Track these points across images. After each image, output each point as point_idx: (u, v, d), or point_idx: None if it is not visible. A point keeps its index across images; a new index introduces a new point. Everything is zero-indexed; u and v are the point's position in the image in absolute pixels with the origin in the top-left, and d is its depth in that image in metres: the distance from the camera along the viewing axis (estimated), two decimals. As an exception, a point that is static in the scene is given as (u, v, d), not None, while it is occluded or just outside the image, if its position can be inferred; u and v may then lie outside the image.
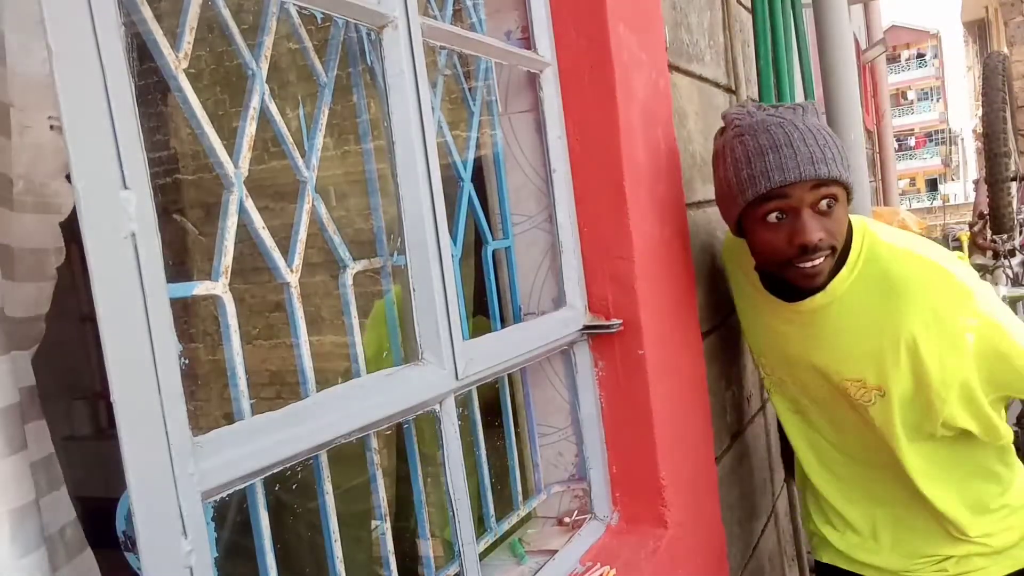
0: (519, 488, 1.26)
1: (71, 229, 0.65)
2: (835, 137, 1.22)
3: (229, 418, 0.71)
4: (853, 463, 1.45)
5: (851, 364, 1.29)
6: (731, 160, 1.24)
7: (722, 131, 1.31)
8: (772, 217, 1.21)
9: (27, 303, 0.80)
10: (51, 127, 0.79)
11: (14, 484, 0.63)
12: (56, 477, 0.81)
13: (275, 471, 0.71)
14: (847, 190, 1.22)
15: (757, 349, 1.52)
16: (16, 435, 0.65)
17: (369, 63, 0.94)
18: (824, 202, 1.19)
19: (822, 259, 1.21)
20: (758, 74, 2.01)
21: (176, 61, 0.66)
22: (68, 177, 0.74)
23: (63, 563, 0.81)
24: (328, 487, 0.82)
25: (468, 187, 1.16)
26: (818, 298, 1.28)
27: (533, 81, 1.30)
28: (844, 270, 1.26)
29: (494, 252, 1.26)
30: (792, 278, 1.25)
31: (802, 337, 1.34)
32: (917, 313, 1.21)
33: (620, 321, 1.29)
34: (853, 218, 1.29)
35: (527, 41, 1.30)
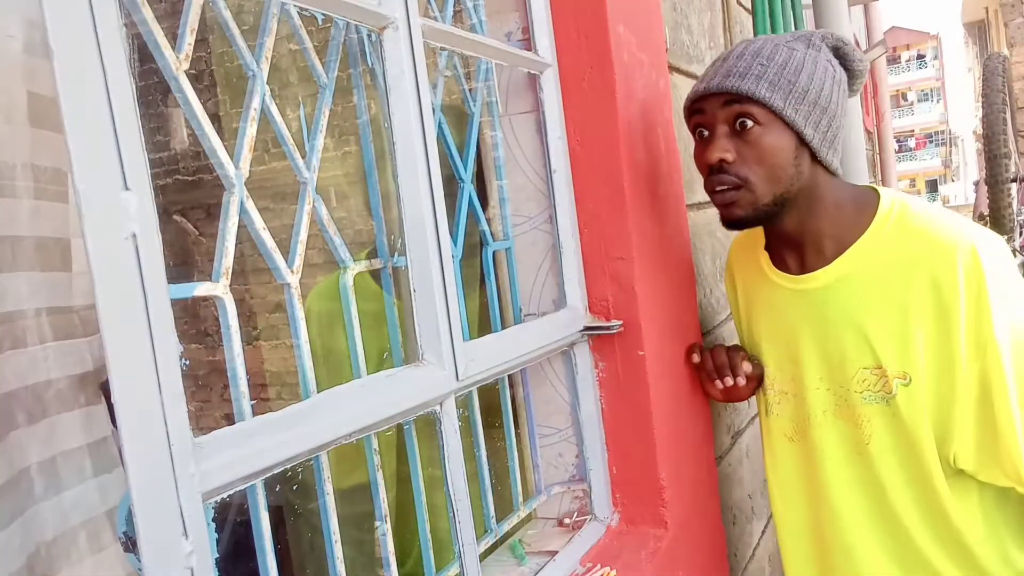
0: (519, 489, 1.26)
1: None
2: (789, 59, 1.07)
3: (230, 419, 0.71)
4: (851, 525, 1.18)
5: (870, 348, 1.10)
6: None
7: None
8: (698, 134, 1.13)
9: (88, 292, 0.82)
10: None
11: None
12: (111, 460, 0.82)
13: (276, 472, 0.71)
14: (779, 117, 1.06)
15: (762, 350, 1.30)
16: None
17: (370, 64, 0.94)
18: (738, 121, 1.07)
19: (730, 189, 1.09)
20: (758, 75, 2.00)
21: (177, 62, 0.66)
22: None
23: (111, 543, 0.81)
24: (328, 488, 0.82)
25: (468, 188, 1.17)
26: (831, 270, 1.13)
27: (533, 82, 1.30)
28: (864, 239, 1.11)
29: (494, 253, 1.26)
30: (716, 207, 1.14)
31: (813, 321, 1.17)
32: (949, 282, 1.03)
33: (620, 322, 1.29)
34: (885, 190, 1.15)
35: (527, 42, 1.30)
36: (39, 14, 0.50)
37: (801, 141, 1.08)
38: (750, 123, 1.06)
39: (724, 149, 1.08)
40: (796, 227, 1.15)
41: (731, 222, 1.12)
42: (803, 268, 1.18)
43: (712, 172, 1.10)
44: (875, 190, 1.16)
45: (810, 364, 1.19)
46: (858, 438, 1.16)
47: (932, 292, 1.04)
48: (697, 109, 1.12)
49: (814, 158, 1.10)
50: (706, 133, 1.11)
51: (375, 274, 1.04)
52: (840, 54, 1.13)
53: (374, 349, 0.95)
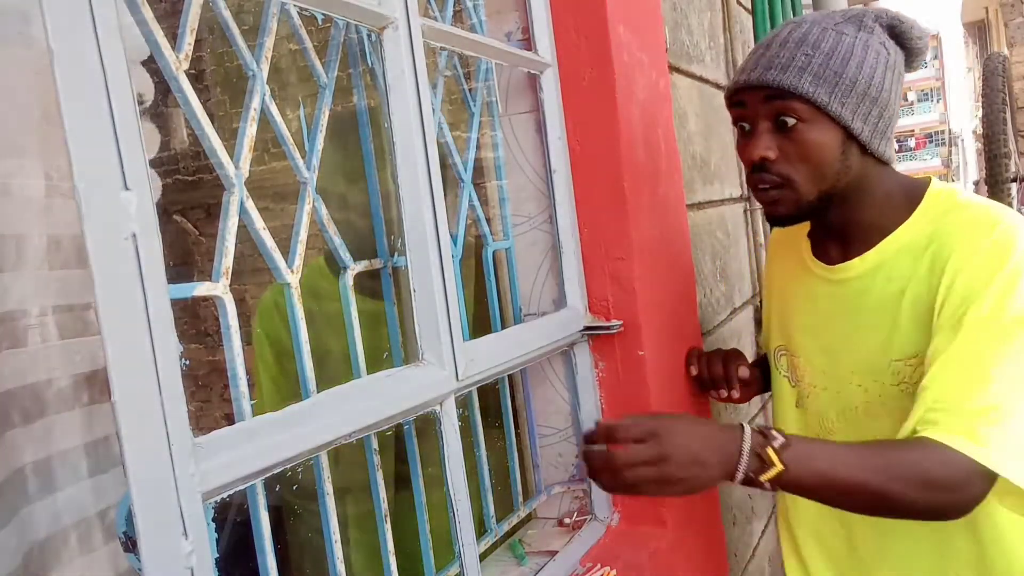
0: (519, 489, 1.26)
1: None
2: (836, 46, 1.00)
3: (230, 419, 0.71)
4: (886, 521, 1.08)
5: (905, 338, 1.04)
6: None
7: None
8: (739, 127, 1.07)
9: None
10: None
11: None
12: (110, 459, 0.82)
13: (275, 471, 0.71)
14: (824, 112, 1.00)
15: (795, 342, 1.21)
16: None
17: (369, 64, 0.94)
18: (780, 118, 1.01)
19: (772, 188, 1.04)
20: (758, 75, 2.00)
21: (177, 62, 0.66)
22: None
23: (101, 545, 0.81)
24: (328, 488, 0.82)
25: (468, 188, 1.17)
26: (867, 259, 1.07)
27: (533, 82, 1.30)
28: (906, 226, 1.05)
29: (494, 253, 1.26)
30: (760, 203, 1.10)
31: (848, 312, 1.11)
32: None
33: (620, 322, 1.29)
34: (939, 182, 1.09)
35: (528, 42, 1.30)
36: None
37: (849, 135, 1.01)
38: (792, 120, 1.00)
39: (766, 147, 1.02)
40: (842, 219, 1.08)
41: (775, 220, 1.08)
42: (846, 258, 1.11)
43: (754, 170, 1.05)
44: (929, 180, 1.09)
45: (844, 357, 1.12)
46: (898, 432, 1.03)
47: (960, 266, 0.97)
48: (738, 102, 1.06)
49: (864, 150, 1.03)
50: (747, 127, 1.05)
51: (335, 272, 1.02)
52: (896, 32, 1.05)
53: (340, 347, 0.93)
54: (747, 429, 0.89)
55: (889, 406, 1.07)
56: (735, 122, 1.08)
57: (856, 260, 1.09)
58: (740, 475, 0.88)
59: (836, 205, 1.06)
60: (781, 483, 0.88)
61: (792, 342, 1.22)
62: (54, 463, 0.79)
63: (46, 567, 0.76)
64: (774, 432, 0.90)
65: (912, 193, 1.07)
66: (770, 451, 0.87)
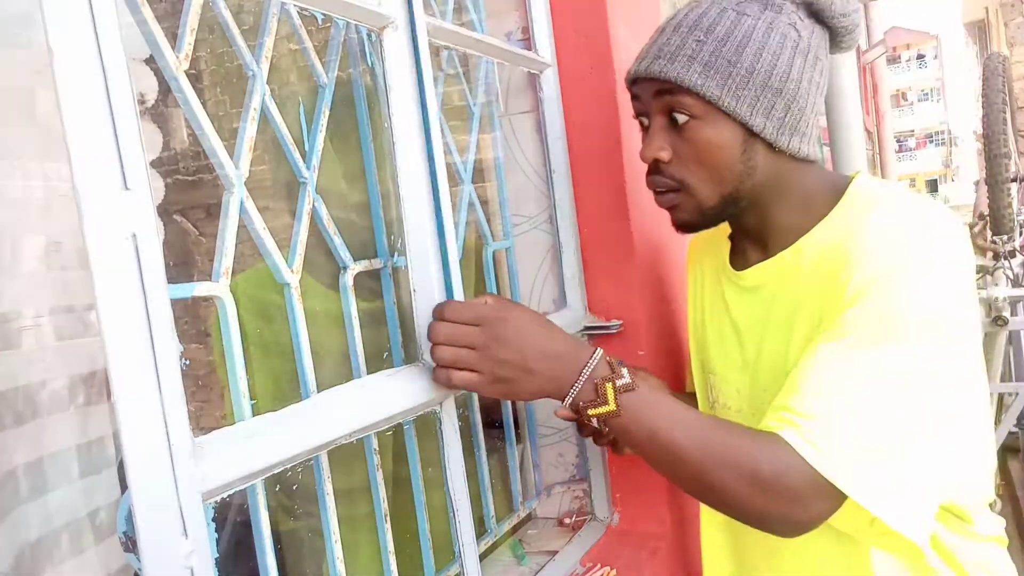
0: (519, 488, 1.26)
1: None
2: (732, 30, 0.87)
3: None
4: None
5: (806, 347, 0.87)
6: None
7: None
8: (639, 121, 0.95)
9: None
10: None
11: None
12: (103, 460, 0.82)
13: (275, 471, 0.71)
14: (718, 108, 0.86)
15: (709, 357, 1.07)
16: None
17: (370, 64, 0.94)
18: (673, 115, 0.89)
19: (668, 192, 0.93)
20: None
21: (176, 62, 0.66)
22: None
23: (91, 545, 0.81)
24: (329, 487, 0.82)
25: (468, 188, 1.17)
26: (770, 264, 0.95)
27: (533, 82, 1.30)
28: (817, 228, 0.91)
29: (494, 253, 1.26)
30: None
31: (759, 322, 0.97)
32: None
33: (620, 322, 1.29)
34: (866, 177, 0.95)
35: (527, 42, 1.30)
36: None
37: (751, 131, 0.88)
38: (684, 117, 0.88)
39: (659, 147, 0.91)
40: (757, 221, 0.96)
41: (678, 227, 0.96)
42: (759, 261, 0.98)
43: (650, 171, 0.95)
44: (856, 176, 0.95)
45: (759, 374, 0.97)
46: None
47: (865, 261, 0.82)
48: (634, 94, 0.94)
49: (772, 147, 0.89)
50: (646, 122, 0.94)
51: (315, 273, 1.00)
52: (813, 10, 0.91)
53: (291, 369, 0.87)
54: (597, 355, 0.81)
55: None
56: (635, 116, 0.96)
57: (764, 263, 0.96)
58: (569, 399, 0.81)
59: (749, 208, 0.94)
60: (610, 426, 0.80)
61: (708, 357, 1.07)
62: (46, 465, 0.79)
63: (38, 569, 0.77)
64: (627, 370, 0.81)
65: (836, 190, 0.93)
66: (609, 387, 0.79)
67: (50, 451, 0.79)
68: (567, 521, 1.33)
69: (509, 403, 1.25)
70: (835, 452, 0.75)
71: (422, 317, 0.92)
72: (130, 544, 0.56)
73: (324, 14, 0.84)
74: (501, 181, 1.33)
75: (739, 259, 1.02)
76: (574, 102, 1.30)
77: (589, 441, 1.31)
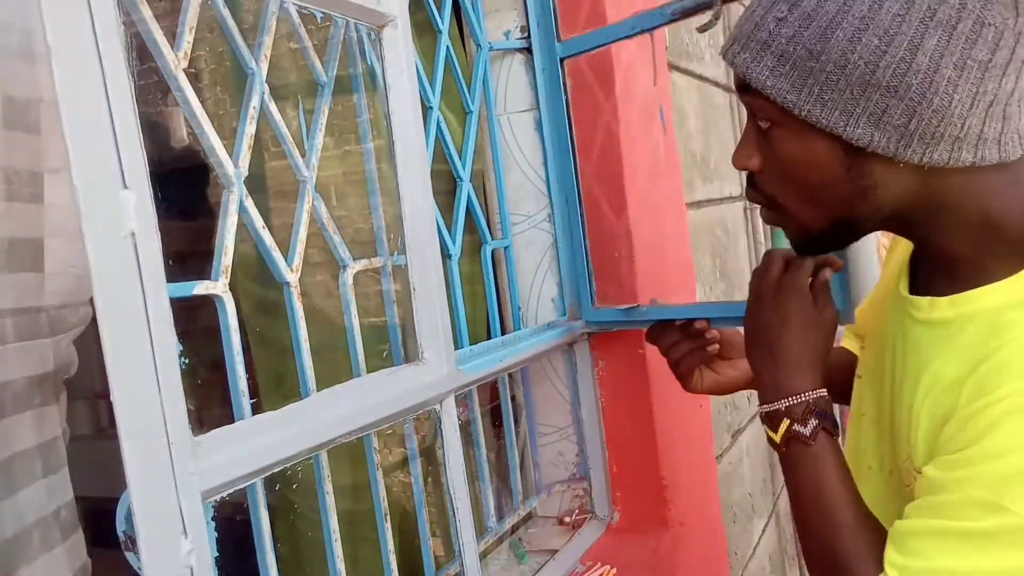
0: (519, 487, 1.26)
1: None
2: (820, 4, 0.62)
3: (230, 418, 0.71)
4: None
5: (915, 436, 0.70)
6: None
7: None
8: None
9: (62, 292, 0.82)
10: None
11: None
12: (58, 460, 0.82)
13: (275, 470, 0.71)
14: (791, 115, 0.65)
15: (862, 357, 0.89)
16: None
17: (369, 62, 0.94)
18: (757, 116, 0.70)
19: (765, 208, 0.75)
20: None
21: (176, 61, 0.66)
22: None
23: (58, 543, 0.81)
24: (328, 487, 0.82)
25: (467, 187, 1.16)
26: (957, 302, 0.68)
27: (533, 81, 1.29)
28: (1005, 283, 0.66)
29: (493, 252, 1.26)
30: None
31: (904, 365, 0.75)
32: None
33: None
34: None
35: (527, 41, 1.29)
36: (10, 17, 0.50)
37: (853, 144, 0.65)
38: (766, 123, 0.69)
39: (746, 154, 0.72)
40: (920, 244, 0.75)
41: (796, 249, 0.78)
42: (944, 293, 0.71)
43: (747, 180, 0.76)
44: None
45: (896, 410, 0.76)
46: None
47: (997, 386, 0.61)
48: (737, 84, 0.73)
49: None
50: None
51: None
52: None
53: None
54: (812, 395, 0.75)
55: (886, 498, 0.77)
56: None
57: (946, 300, 0.70)
58: (762, 407, 0.78)
59: (905, 228, 0.73)
60: (780, 454, 0.76)
61: (861, 355, 0.88)
62: (15, 464, 0.79)
63: (13, 567, 0.77)
64: (822, 425, 0.73)
65: None
66: (784, 425, 0.74)
67: (17, 450, 0.79)
68: (567, 520, 1.33)
69: (509, 401, 1.25)
70: None
71: (422, 316, 0.92)
72: (129, 543, 0.56)
73: (324, 13, 0.84)
74: (500, 180, 1.32)
75: (922, 280, 0.76)
76: (574, 102, 1.29)
77: (589, 439, 1.31)
